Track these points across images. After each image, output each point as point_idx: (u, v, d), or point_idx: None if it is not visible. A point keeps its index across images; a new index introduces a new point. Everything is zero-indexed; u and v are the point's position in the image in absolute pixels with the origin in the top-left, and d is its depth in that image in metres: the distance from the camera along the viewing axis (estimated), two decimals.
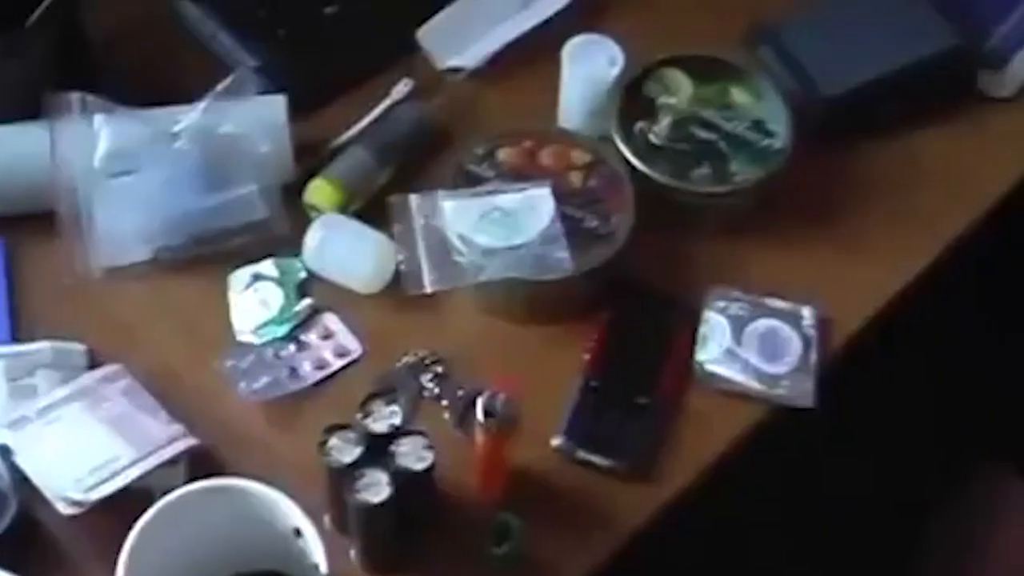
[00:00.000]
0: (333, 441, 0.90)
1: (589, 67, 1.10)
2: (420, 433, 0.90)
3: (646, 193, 1.06)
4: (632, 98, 1.10)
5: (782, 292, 1.06)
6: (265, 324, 1.05)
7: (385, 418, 0.91)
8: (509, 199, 1.04)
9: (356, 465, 0.89)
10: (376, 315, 1.06)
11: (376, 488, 0.88)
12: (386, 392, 0.93)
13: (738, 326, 1.04)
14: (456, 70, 1.18)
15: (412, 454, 0.90)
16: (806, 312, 1.05)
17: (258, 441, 1.01)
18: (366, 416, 0.91)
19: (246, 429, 1.02)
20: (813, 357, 1.03)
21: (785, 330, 1.04)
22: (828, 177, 1.14)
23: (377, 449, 0.90)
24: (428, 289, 1.01)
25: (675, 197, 1.07)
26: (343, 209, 1.08)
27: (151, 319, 1.07)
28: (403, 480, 0.88)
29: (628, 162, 1.07)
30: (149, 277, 1.08)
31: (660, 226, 1.08)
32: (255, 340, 1.05)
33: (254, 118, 1.08)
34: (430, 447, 0.90)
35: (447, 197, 1.04)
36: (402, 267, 1.02)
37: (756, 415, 1.02)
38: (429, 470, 0.89)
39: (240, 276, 1.08)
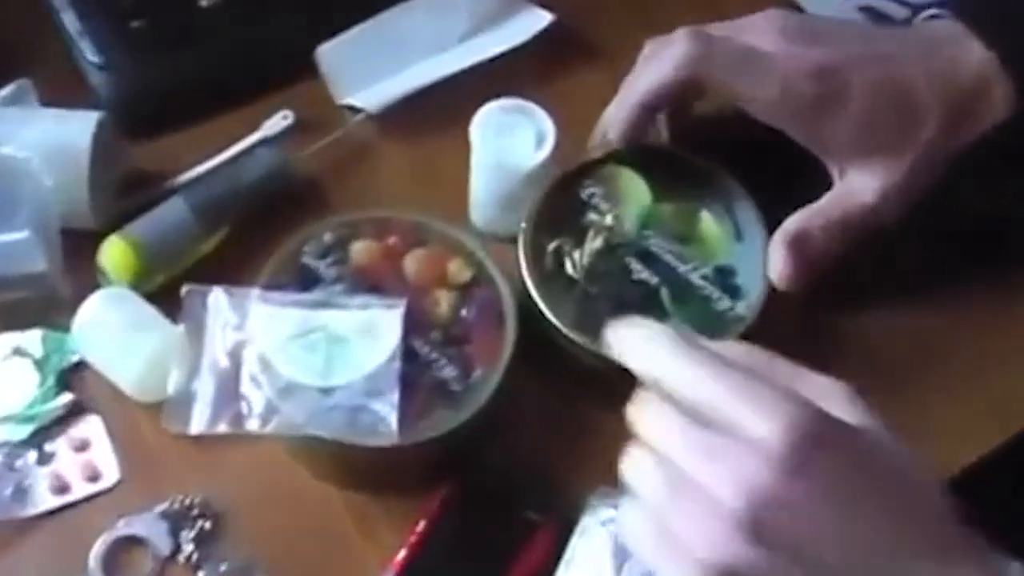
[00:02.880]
0: None
1: (506, 144, 0.81)
2: None
3: (540, 340, 0.77)
4: (557, 203, 0.80)
5: None
6: (6, 418, 0.78)
7: None
8: (343, 318, 0.75)
9: None
10: (152, 433, 0.78)
11: None
12: None
13: (624, 549, 0.74)
14: (353, 110, 0.89)
15: None
16: None
17: None
18: None
19: None
20: None
21: None
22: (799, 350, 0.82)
23: None
24: (192, 429, 0.73)
25: (579, 356, 0.77)
26: (141, 280, 0.80)
27: None
28: None
29: (527, 293, 0.77)
30: None
31: (550, 389, 0.79)
32: None
33: (50, 139, 0.81)
34: None
35: (261, 298, 0.76)
36: (171, 388, 0.74)
37: None
38: None
39: None
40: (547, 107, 0.82)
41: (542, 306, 0.76)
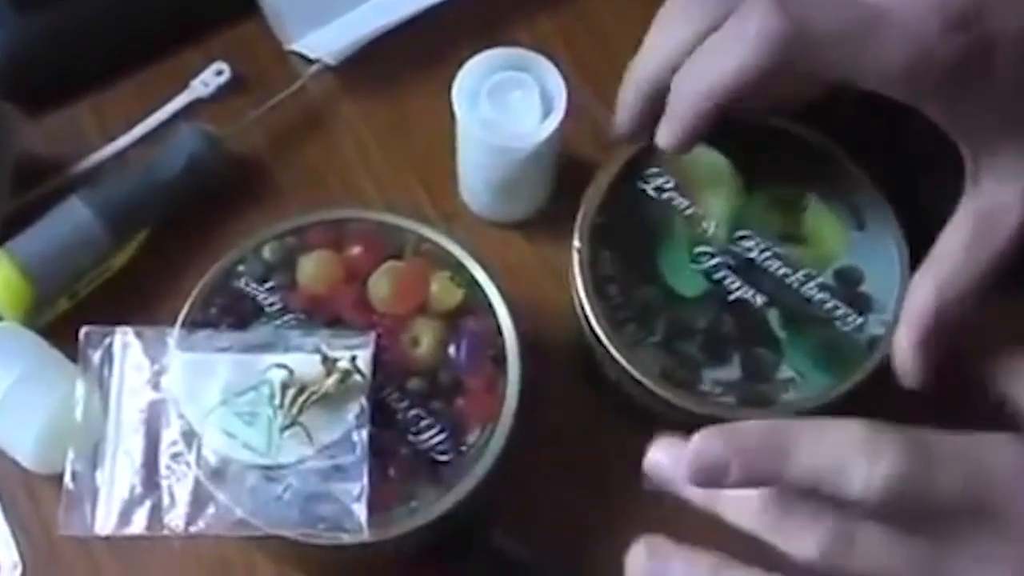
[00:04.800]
0: None
1: (501, 113, 0.61)
2: None
3: (600, 388, 0.58)
4: (618, 205, 0.59)
5: None
6: None
7: None
8: (291, 367, 0.56)
9: None
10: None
11: None
12: None
13: None
14: (306, 60, 0.69)
15: None
16: None
17: None
18: None
19: None
20: None
21: None
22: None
23: None
24: (97, 530, 0.55)
25: (655, 412, 0.57)
26: (34, 312, 0.62)
27: None
28: None
29: (590, 331, 0.57)
30: None
31: (577, 438, 0.60)
32: None
33: None
34: None
35: (182, 343, 0.57)
36: (67, 477, 0.56)
37: None
38: None
39: None
40: (556, 55, 0.62)
41: (613, 351, 0.56)
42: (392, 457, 0.55)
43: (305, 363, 0.55)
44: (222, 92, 0.69)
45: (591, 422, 0.61)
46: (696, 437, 0.47)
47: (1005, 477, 0.46)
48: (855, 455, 0.45)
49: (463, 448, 0.55)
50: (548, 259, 0.64)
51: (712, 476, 0.46)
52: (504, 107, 0.60)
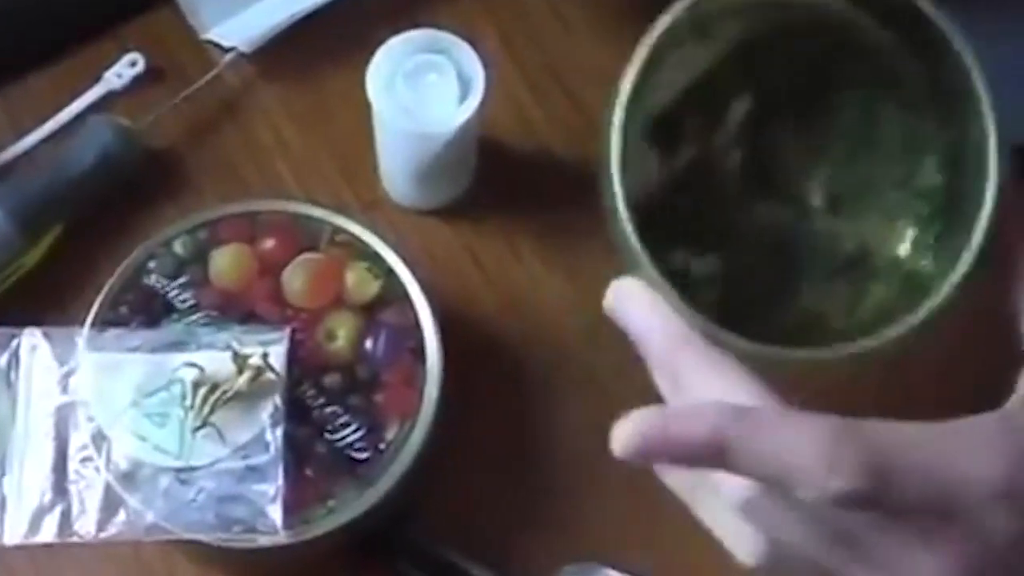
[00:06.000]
0: None
1: (416, 98, 0.59)
2: None
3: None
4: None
5: None
6: None
7: None
8: (204, 366, 0.54)
9: None
10: None
11: None
12: None
13: None
14: (221, 48, 0.67)
15: None
16: None
17: None
18: None
19: None
20: None
21: None
22: None
23: None
24: (7, 540, 0.53)
25: None
26: None
27: None
28: None
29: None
30: None
31: (502, 425, 0.59)
32: None
33: None
34: None
35: (91, 343, 0.55)
36: None
37: None
38: None
39: None
40: (478, 35, 0.60)
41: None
42: (309, 456, 0.54)
43: (216, 361, 0.54)
44: (136, 83, 0.67)
45: (518, 414, 0.60)
46: (633, 421, 0.42)
47: (975, 484, 0.42)
48: (810, 466, 0.41)
49: (382, 445, 0.54)
50: (471, 245, 0.63)
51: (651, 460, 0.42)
52: (420, 92, 0.59)
